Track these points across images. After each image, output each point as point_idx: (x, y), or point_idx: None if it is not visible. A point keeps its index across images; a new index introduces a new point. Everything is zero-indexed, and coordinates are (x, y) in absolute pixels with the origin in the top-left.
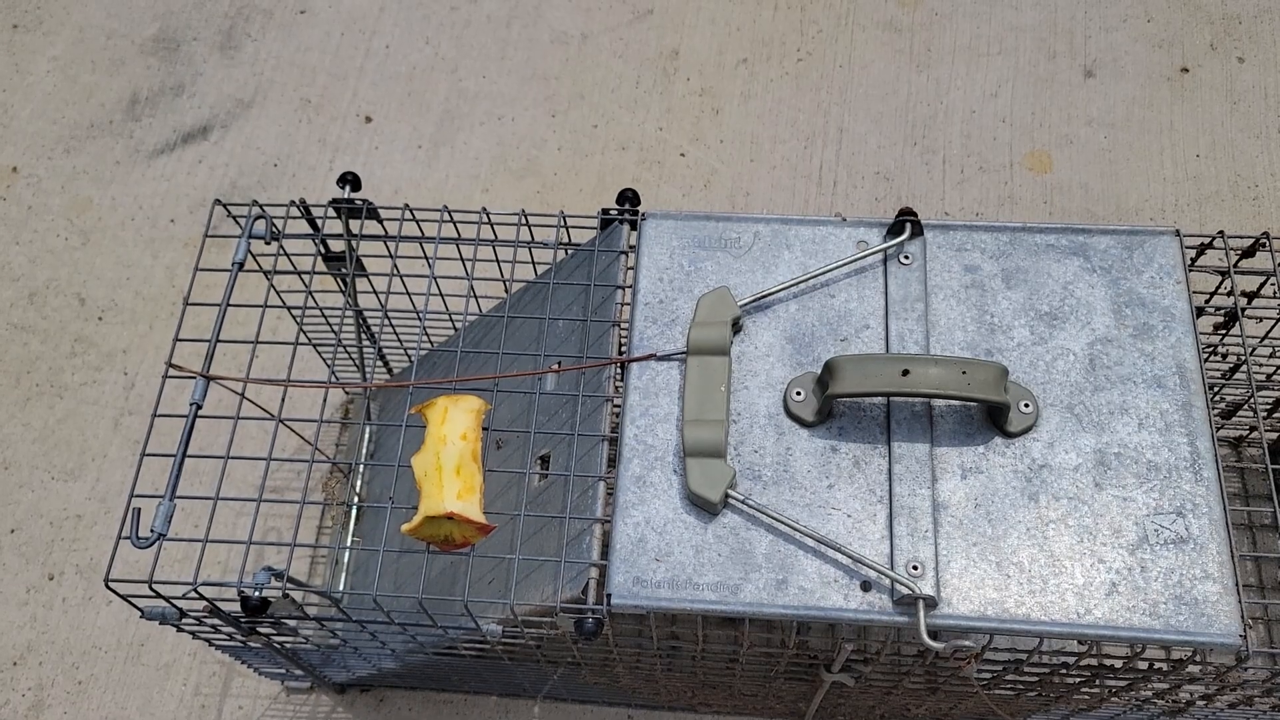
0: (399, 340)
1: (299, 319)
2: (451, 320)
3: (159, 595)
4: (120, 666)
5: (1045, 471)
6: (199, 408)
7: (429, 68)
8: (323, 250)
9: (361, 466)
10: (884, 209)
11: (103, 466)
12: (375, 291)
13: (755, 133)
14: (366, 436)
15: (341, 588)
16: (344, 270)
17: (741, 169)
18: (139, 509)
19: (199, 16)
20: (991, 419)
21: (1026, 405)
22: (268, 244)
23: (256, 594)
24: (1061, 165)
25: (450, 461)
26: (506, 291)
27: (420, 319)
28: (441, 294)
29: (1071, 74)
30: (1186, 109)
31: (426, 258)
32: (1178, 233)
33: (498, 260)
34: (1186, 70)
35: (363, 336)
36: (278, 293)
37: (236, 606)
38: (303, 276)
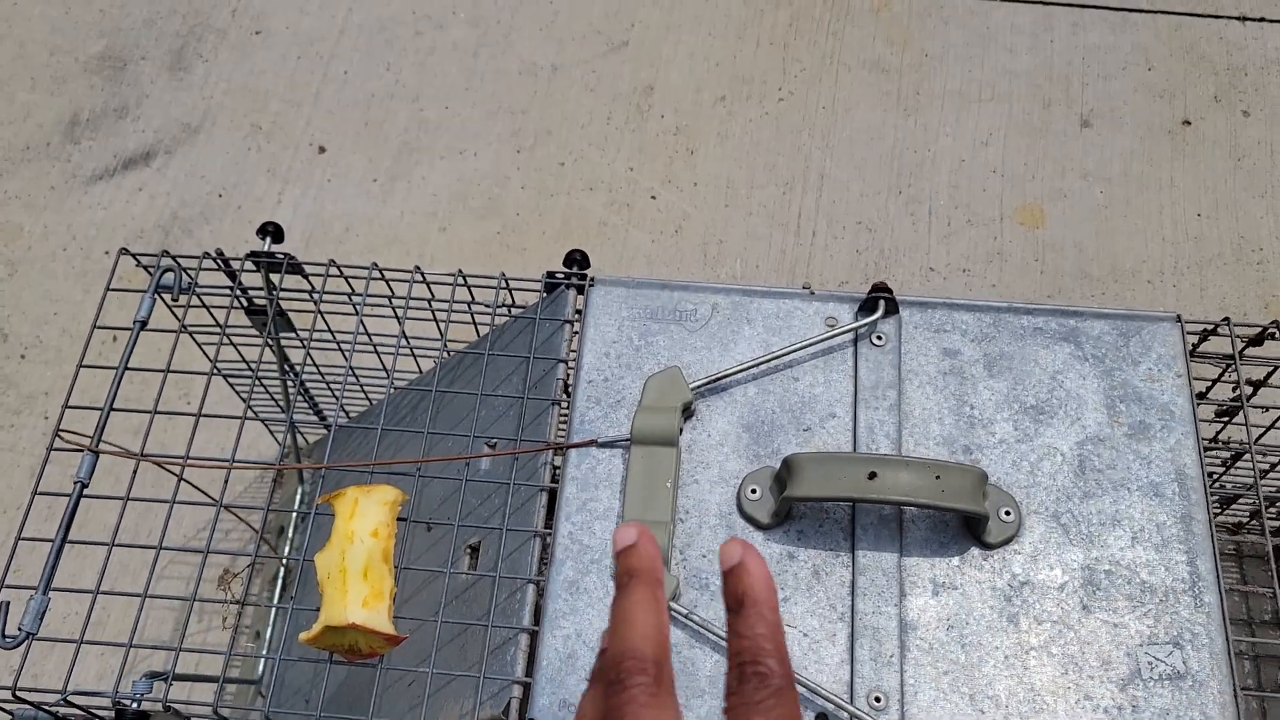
0: (335, 398)
1: (211, 376)
2: (391, 378)
3: (25, 702)
4: None
5: (1027, 590)
6: (84, 486)
7: (388, 96)
8: (244, 304)
9: (288, 549)
10: (865, 262)
11: (15, 519)
12: (304, 345)
13: (731, 176)
14: (294, 515)
15: (262, 682)
16: (266, 326)
17: (715, 214)
18: (8, 602)
19: (149, 35)
20: (968, 528)
21: (1008, 513)
22: (175, 300)
23: (134, 704)
24: (1055, 220)
25: (356, 563)
26: (439, 359)
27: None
28: (377, 350)
29: (1067, 123)
30: (1188, 164)
31: (358, 315)
32: (1179, 319)
33: (435, 320)
34: (1188, 123)
35: (293, 394)
36: (201, 348)
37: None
38: (226, 333)
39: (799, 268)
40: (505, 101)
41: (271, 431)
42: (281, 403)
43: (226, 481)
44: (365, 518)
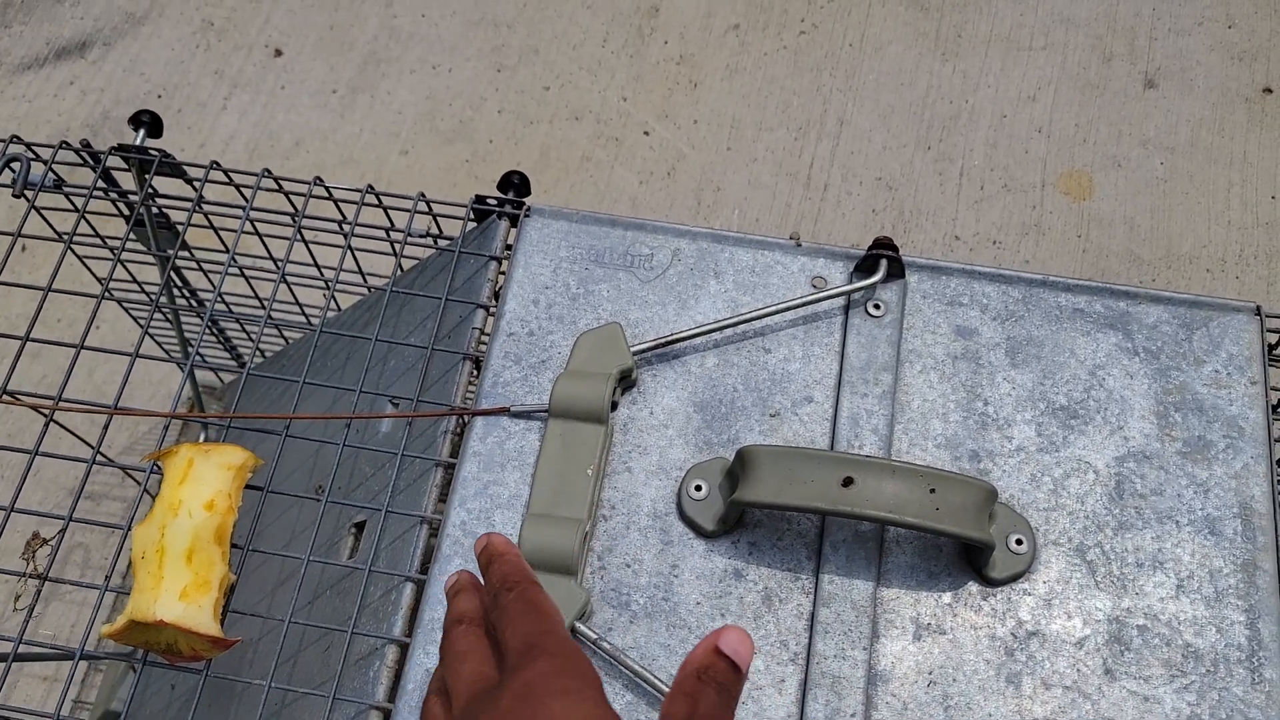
0: (244, 330)
1: (101, 300)
2: (305, 314)
3: None
4: None
5: (1036, 643)
6: None
7: None
8: (122, 210)
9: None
10: (881, 223)
11: None
12: (200, 266)
13: (738, 115)
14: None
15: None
16: (150, 239)
17: (715, 157)
18: None
19: None
20: (967, 556)
21: (1019, 541)
22: (16, 196)
23: None
24: (1104, 192)
25: (179, 541)
26: (333, 299)
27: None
28: (286, 281)
29: (1129, 82)
30: (1265, 138)
31: (256, 231)
32: (1259, 310)
33: (349, 249)
34: (1270, 91)
35: (191, 326)
36: (89, 266)
37: None
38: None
39: (805, 225)
40: (489, 12)
41: (179, 365)
42: (181, 332)
43: (105, 429)
44: (199, 484)
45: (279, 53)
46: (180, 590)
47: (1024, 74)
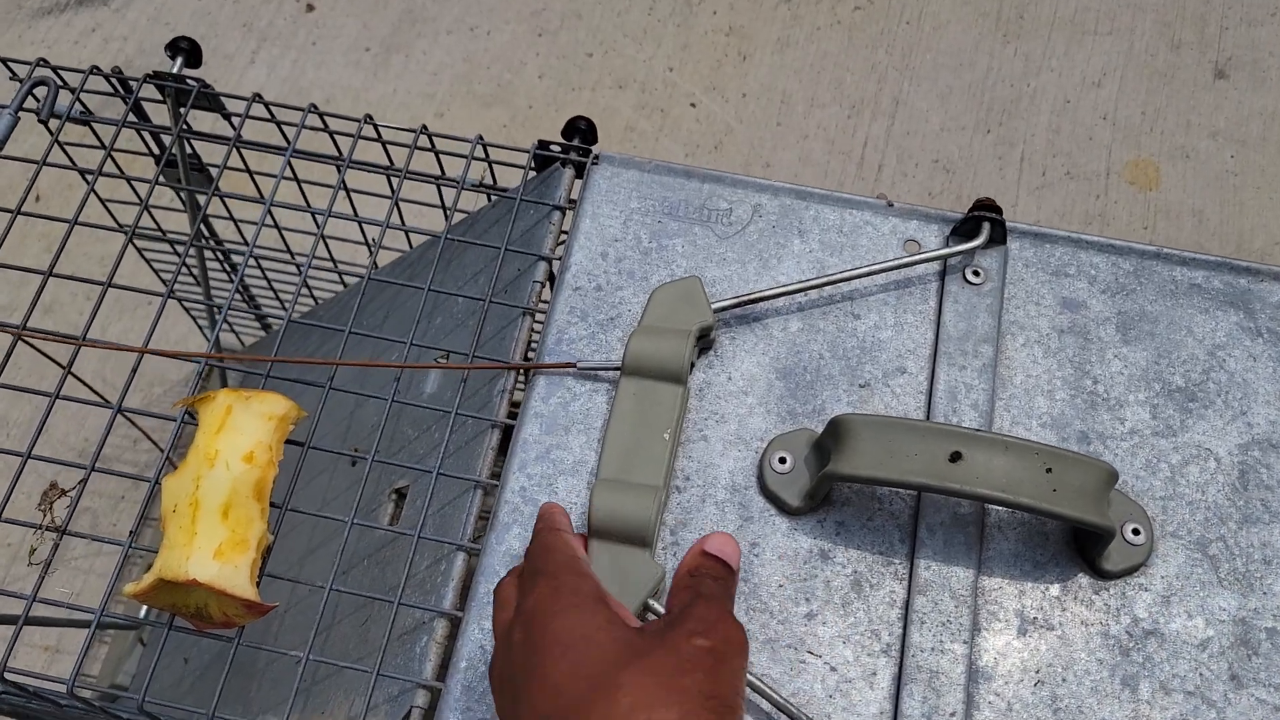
0: (272, 290)
1: (128, 243)
2: (339, 272)
3: None
4: None
5: (1154, 643)
6: None
7: None
8: (152, 148)
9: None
10: (939, 206)
11: None
12: (234, 219)
13: (789, 90)
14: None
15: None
16: (179, 179)
17: (764, 133)
18: None
19: None
20: (1078, 545)
21: (1136, 531)
22: (42, 121)
23: None
24: (1171, 183)
25: (216, 495)
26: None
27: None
28: (323, 237)
29: (1199, 71)
30: None
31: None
32: None
33: (394, 195)
34: None
35: (220, 278)
36: (107, 208)
37: None
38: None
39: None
40: None
41: (200, 325)
42: (206, 286)
43: (132, 376)
44: (239, 434)
45: (311, 7)
46: (215, 548)
47: (1088, 59)
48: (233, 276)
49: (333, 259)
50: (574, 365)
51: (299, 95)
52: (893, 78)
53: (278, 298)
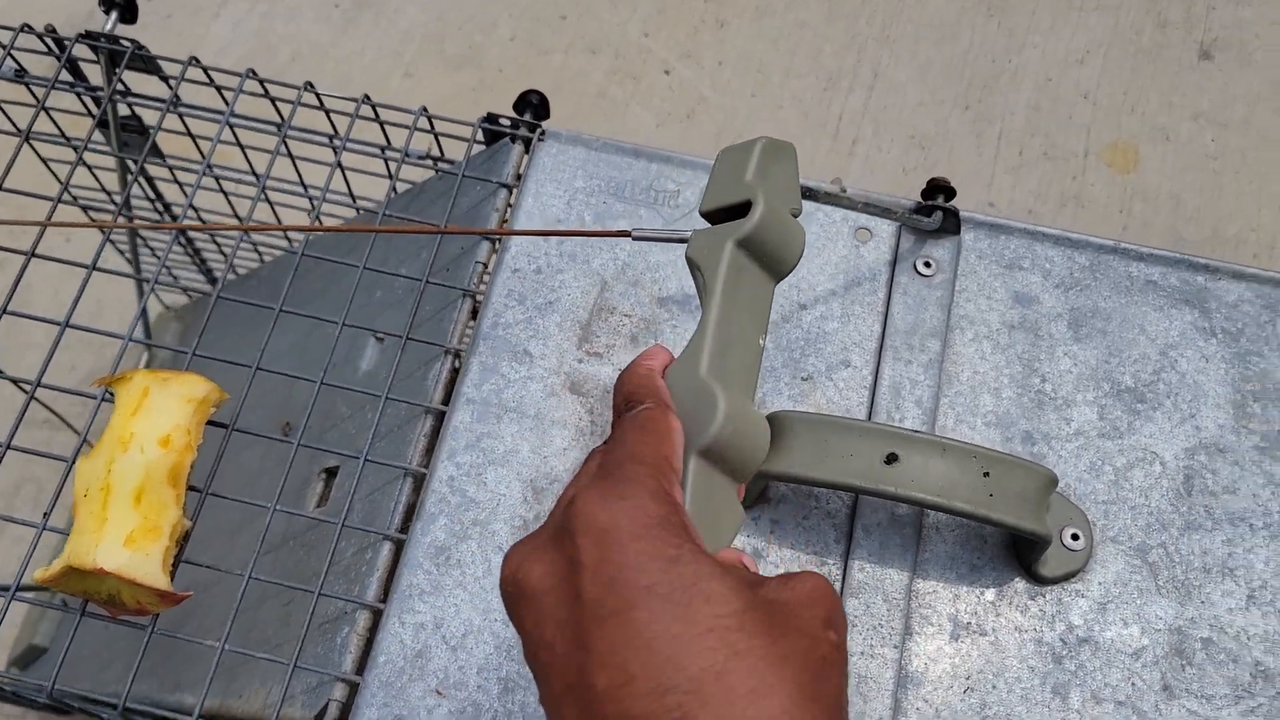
0: (222, 254)
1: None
2: (289, 238)
3: None
4: None
5: (1087, 651)
6: None
7: None
8: (88, 107)
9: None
10: (912, 184)
11: None
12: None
13: (765, 59)
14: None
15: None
16: (111, 139)
17: (738, 102)
18: None
19: None
20: (1016, 549)
21: (1075, 536)
22: None
23: None
24: (1150, 165)
25: (128, 480)
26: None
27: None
28: (267, 198)
29: (1183, 51)
30: None
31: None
32: None
33: (339, 166)
34: None
35: (151, 241)
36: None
37: None
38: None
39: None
40: None
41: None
42: (136, 258)
43: (55, 345)
44: (155, 416)
45: None
46: (126, 535)
47: (1073, 35)
48: (167, 219)
49: (280, 222)
50: (629, 233)
51: (265, 51)
52: (872, 49)
53: (225, 257)
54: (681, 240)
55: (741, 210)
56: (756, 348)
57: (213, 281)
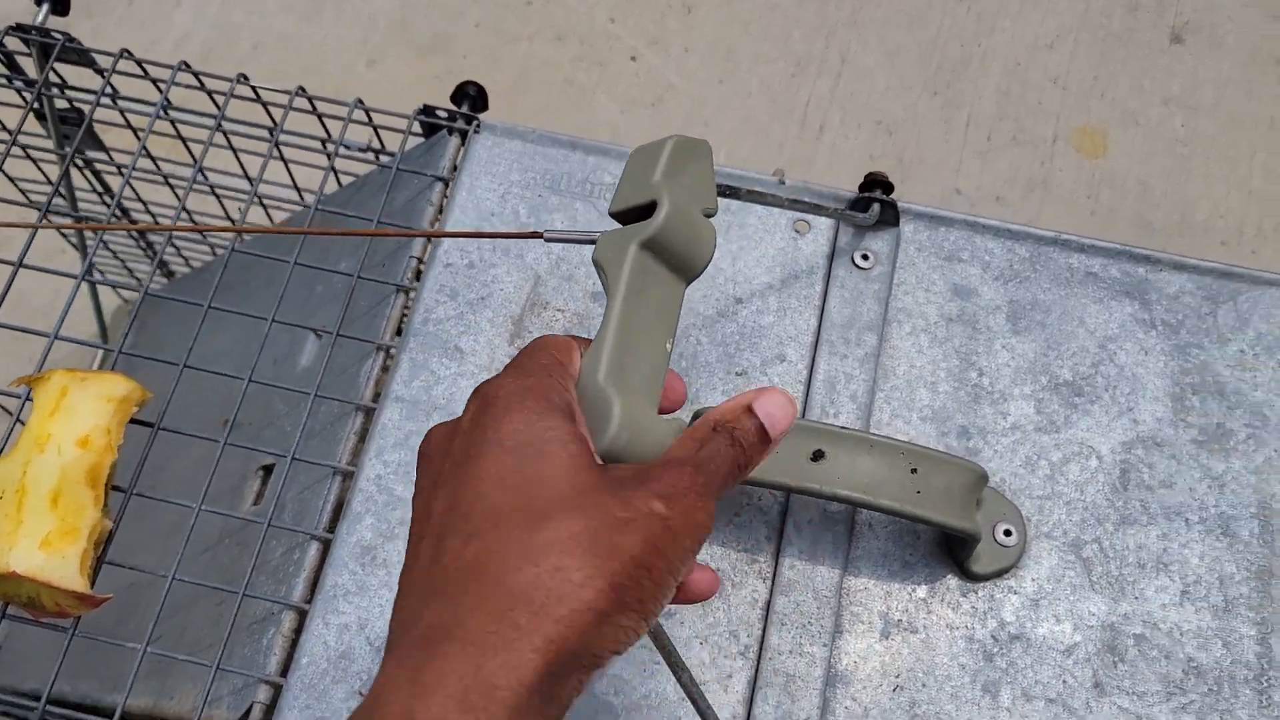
0: (174, 246)
1: None
2: (240, 233)
3: None
4: None
5: (1019, 648)
6: None
7: None
8: (27, 100)
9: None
10: (878, 169)
11: None
12: (121, 172)
13: (733, 45)
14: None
15: None
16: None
17: (706, 89)
18: None
19: None
20: (948, 545)
21: (1008, 532)
22: None
23: None
24: (1120, 150)
25: (45, 482)
26: (304, 209)
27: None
28: (213, 191)
29: (1154, 35)
30: None
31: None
32: None
33: (280, 158)
34: None
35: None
36: None
37: None
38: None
39: (796, 167)
40: None
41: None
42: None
43: None
44: (73, 417)
45: None
46: (42, 538)
47: (1043, 19)
48: (115, 211)
49: (227, 214)
50: (541, 234)
51: (226, 40)
52: (841, 34)
53: (179, 252)
54: (590, 241)
55: (649, 211)
56: (663, 351)
57: (169, 275)
